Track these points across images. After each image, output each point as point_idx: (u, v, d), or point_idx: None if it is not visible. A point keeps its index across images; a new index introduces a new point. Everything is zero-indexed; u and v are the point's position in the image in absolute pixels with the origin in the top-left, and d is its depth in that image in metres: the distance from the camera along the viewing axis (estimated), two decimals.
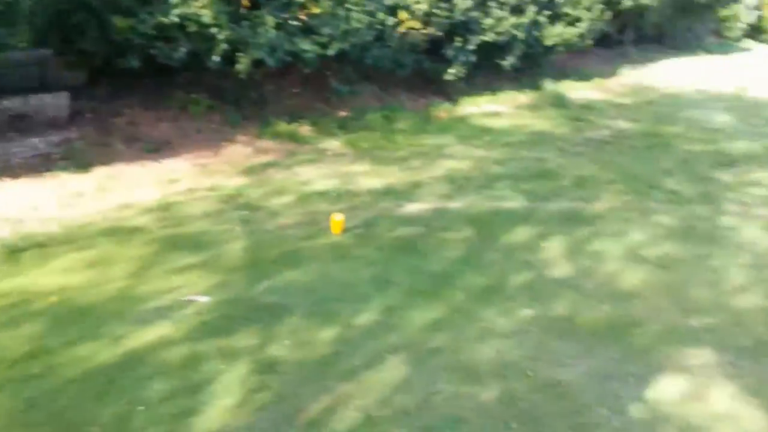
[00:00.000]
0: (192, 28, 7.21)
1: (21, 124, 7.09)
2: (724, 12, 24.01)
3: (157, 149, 7.52)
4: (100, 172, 6.70)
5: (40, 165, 6.58)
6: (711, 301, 4.40)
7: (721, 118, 11.19)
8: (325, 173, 7.38)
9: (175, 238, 5.38)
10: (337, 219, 5.64)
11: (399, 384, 3.53)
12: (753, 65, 19.04)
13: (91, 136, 7.42)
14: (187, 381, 3.48)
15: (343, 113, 9.86)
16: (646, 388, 3.47)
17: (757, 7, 26.10)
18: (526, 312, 4.29)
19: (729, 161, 8.15)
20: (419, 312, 4.29)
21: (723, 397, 3.36)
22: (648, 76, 16.55)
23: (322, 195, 6.61)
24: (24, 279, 4.47)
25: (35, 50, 7.64)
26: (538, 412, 3.30)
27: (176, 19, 7.07)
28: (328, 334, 4.01)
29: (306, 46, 8.07)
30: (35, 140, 6.89)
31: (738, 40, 26.27)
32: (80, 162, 6.75)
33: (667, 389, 3.45)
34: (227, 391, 3.41)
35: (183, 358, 3.68)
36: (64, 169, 6.58)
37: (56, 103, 7.53)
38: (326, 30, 8.21)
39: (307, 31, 8.03)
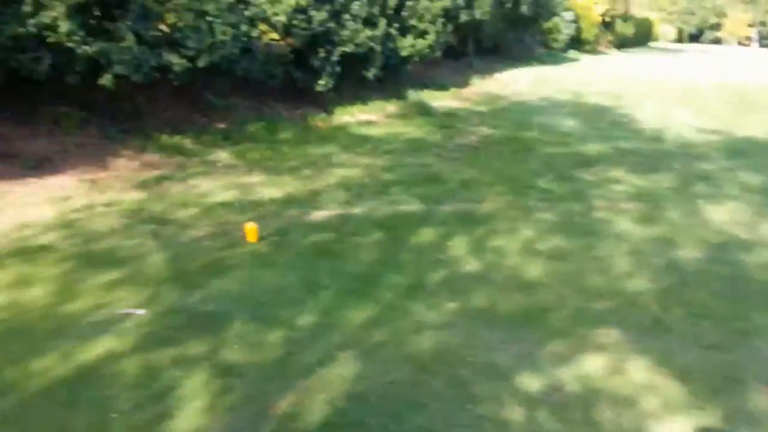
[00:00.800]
0: (52, 38, 6.90)
1: None
2: (546, 24, 26.35)
3: (37, 166, 7.20)
4: None
5: None
6: (606, 286, 5.04)
7: (569, 123, 12.40)
8: (221, 185, 7.42)
9: (88, 256, 5.26)
10: (251, 227, 5.76)
11: (356, 377, 3.78)
12: (582, 73, 21.06)
13: None
14: (150, 389, 3.53)
15: (222, 125, 9.87)
16: (571, 366, 3.97)
17: (575, 21, 28.84)
18: (451, 305, 4.69)
19: (586, 162, 9.12)
20: (354, 311, 4.56)
21: (639, 370, 3.92)
22: (495, 85, 17.88)
23: (226, 206, 6.67)
24: None
25: None
26: (485, 393, 3.69)
27: (33, 30, 6.75)
28: (274, 336, 4.17)
29: (174, 59, 7.99)
30: None
31: (564, 50, 28.88)
32: None
33: (589, 366, 3.96)
34: (194, 396, 3.49)
35: (139, 368, 3.71)
36: None
37: None
38: (191, 43, 8.17)
39: (173, 44, 7.96)
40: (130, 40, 7.13)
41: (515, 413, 3.52)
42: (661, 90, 18.00)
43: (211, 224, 6.13)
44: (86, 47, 6.88)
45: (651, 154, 9.75)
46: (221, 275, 5.04)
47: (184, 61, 7.84)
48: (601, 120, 12.84)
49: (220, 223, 6.17)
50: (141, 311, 4.37)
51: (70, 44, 6.81)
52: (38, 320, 4.16)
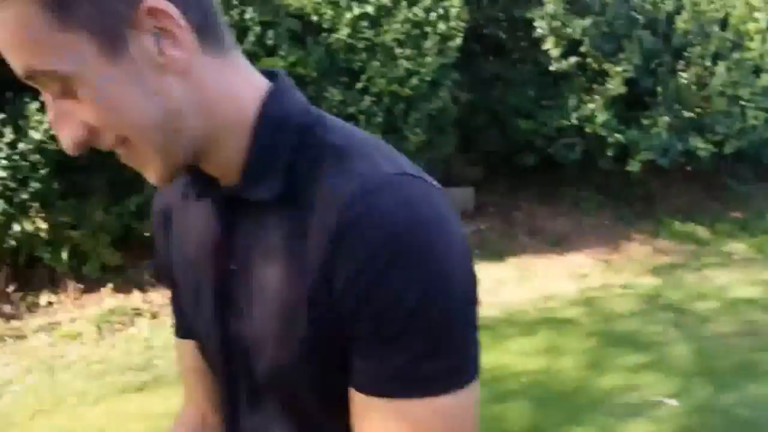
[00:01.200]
0: (588, 129, 7.53)
1: None
2: None
3: (557, 243, 7.85)
4: (511, 262, 7.18)
5: None
6: None
7: None
8: (740, 279, 6.98)
9: (609, 334, 5.47)
10: None
11: None
12: None
13: (497, 228, 8.02)
14: None
15: (738, 214, 9.34)
16: None
17: None
18: None
19: None
20: None
21: None
22: None
23: (750, 303, 6.22)
24: (490, 356, 4.91)
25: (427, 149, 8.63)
26: None
27: (575, 122, 7.46)
28: None
29: (699, 144, 7.88)
30: None
31: None
32: (492, 251, 7.32)
33: None
34: None
35: None
36: (480, 257, 7.17)
37: (463, 196, 8.35)
38: (720, 128, 7.94)
39: (700, 129, 7.85)
40: (661, 127, 7.38)
41: None
42: None
43: (734, 321, 5.78)
44: (618, 135, 7.37)
45: None
46: (754, 380, 4.67)
47: (710, 146, 7.74)
48: None
49: (744, 321, 5.79)
50: (673, 401, 4.32)
51: (602, 133, 7.40)
52: (572, 390, 4.46)
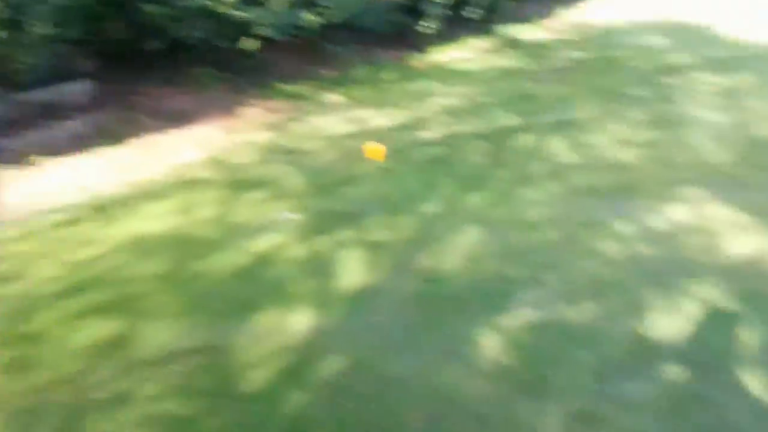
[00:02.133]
0: (217, 9, 7.92)
1: (51, 112, 7.67)
2: None
3: (181, 118, 8.24)
4: (133, 143, 7.37)
5: (82, 144, 7.20)
6: (693, 161, 5.63)
7: (660, 41, 12.45)
8: (337, 120, 8.25)
9: (240, 182, 6.21)
10: (376, 147, 6.54)
11: (481, 242, 4.55)
12: None
13: (118, 115, 8.05)
14: (316, 263, 4.42)
15: (333, 72, 10.66)
16: (660, 214, 4.73)
17: None
18: (554, 186, 5.37)
19: (673, 70, 9.39)
20: (472, 199, 5.31)
21: (724, 213, 4.62)
22: (580, 14, 17.73)
23: (347, 136, 7.50)
24: (126, 226, 5.24)
25: (51, 43, 8.17)
26: (588, 235, 4.37)
27: (207, 2, 7.81)
28: (408, 221, 5.00)
29: (311, 17, 8.87)
30: (70, 123, 7.50)
31: None
32: (116, 137, 7.40)
33: (675, 212, 4.72)
34: (354, 262, 4.37)
35: (306, 251, 4.62)
36: (103, 144, 7.23)
37: (80, 89, 8.13)
38: (326, 2, 9.03)
39: (309, 4, 8.83)
40: (279, 7, 8.07)
41: (614, 247, 4.24)
42: None
43: (337, 150, 6.98)
44: (240, 13, 7.93)
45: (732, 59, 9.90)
46: (353, 185, 5.91)
47: (318, 18, 8.70)
48: (693, 37, 12.81)
49: (344, 147, 7.02)
50: (296, 215, 5.28)
51: (227, 12, 7.85)
52: (212, 230, 5.12)
